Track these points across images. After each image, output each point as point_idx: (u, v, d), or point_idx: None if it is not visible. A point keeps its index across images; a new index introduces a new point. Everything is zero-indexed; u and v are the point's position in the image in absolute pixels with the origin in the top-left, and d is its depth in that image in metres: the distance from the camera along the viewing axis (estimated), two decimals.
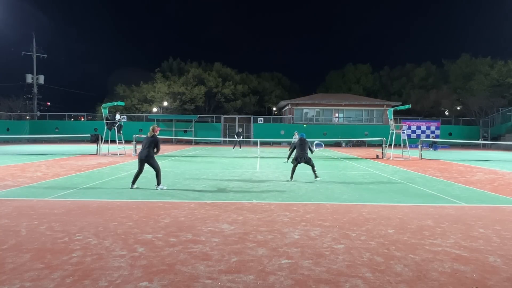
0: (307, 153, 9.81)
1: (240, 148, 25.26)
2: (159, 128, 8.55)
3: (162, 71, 50.82)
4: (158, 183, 8.20)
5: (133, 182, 8.27)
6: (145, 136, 8.34)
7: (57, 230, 4.85)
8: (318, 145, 22.47)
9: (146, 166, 8.23)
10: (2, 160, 14.66)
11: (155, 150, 8.17)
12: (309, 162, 9.79)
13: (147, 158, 8.04)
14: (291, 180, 9.68)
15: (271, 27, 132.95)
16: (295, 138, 23.15)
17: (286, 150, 24.83)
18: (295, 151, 10.09)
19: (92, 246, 4.22)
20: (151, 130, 8.26)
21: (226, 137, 35.19)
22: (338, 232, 4.95)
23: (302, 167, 10.11)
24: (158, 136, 8.35)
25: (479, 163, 16.11)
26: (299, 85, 65.49)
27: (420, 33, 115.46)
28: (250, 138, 35.69)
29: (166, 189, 8.19)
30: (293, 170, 9.93)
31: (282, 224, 5.29)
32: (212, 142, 35.81)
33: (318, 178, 9.77)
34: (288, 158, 10.23)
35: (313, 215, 5.90)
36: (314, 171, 9.90)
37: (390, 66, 59.41)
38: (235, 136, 25.10)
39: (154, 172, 8.22)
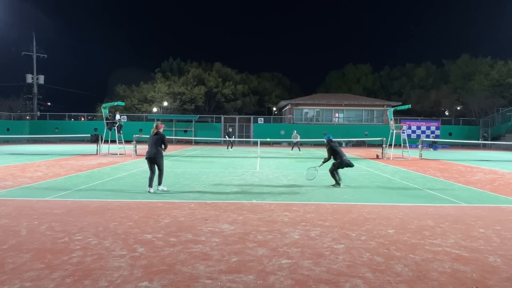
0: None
1: (231, 148, 24.91)
2: (163, 125, 8.29)
3: (162, 71, 50.86)
4: (159, 183, 7.98)
5: (150, 185, 7.82)
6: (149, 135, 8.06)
7: (57, 230, 4.85)
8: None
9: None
10: (2, 160, 14.66)
11: (163, 147, 7.88)
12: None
13: (156, 156, 7.77)
14: (339, 186, 8.72)
15: (272, 27, 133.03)
16: (294, 136, 23.32)
17: (287, 150, 24.90)
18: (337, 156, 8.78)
19: (92, 246, 4.22)
20: (154, 127, 7.99)
21: (226, 137, 35.17)
22: (338, 232, 4.94)
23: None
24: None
25: (479, 163, 16.11)
26: (299, 85, 65.62)
27: (420, 33, 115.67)
28: (250, 138, 35.68)
29: (167, 190, 8.04)
30: (336, 173, 8.86)
31: (282, 224, 5.29)
32: (212, 142, 35.81)
33: (330, 185, 8.83)
34: (322, 164, 9.09)
35: (313, 215, 5.90)
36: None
37: (390, 66, 59.57)
38: (226, 136, 25.01)
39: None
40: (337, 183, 8.80)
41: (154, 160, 7.76)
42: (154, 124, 8.08)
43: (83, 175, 10.36)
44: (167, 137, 8.07)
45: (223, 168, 12.94)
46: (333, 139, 9.03)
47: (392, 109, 20.27)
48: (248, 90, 50.93)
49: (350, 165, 8.79)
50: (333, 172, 8.83)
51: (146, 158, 7.87)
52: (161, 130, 8.04)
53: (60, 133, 33.21)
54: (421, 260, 3.91)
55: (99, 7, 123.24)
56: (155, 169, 7.89)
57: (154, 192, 7.70)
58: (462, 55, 48.67)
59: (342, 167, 8.84)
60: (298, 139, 23.49)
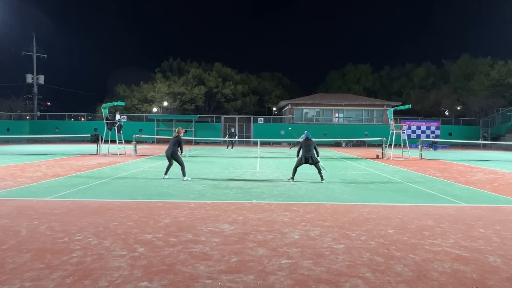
0: (313, 154, 9.56)
1: (232, 148, 24.94)
2: (183, 130, 10.14)
3: (162, 71, 50.83)
4: (183, 174, 9.61)
5: (165, 173, 9.87)
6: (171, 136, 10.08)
7: (57, 230, 4.85)
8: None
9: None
10: (2, 160, 14.66)
11: (179, 149, 9.65)
12: (316, 164, 9.53)
13: (172, 155, 9.64)
14: (292, 181, 9.53)
15: (271, 27, 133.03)
16: (302, 138, 23.19)
17: (287, 150, 24.92)
18: (301, 151, 9.75)
19: (92, 246, 4.22)
20: (176, 131, 9.86)
21: (226, 137, 35.16)
22: (338, 232, 4.95)
23: (304, 167, 10.09)
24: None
25: (479, 163, 16.11)
26: (299, 85, 65.50)
27: (420, 33, 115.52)
28: (250, 138, 35.68)
29: (190, 179, 9.55)
30: (295, 171, 9.78)
31: (282, 224, 5.29)
32: (212, 142, 35.80)
33: (324, 181, 9.46)
34: (297, 156, 9.84)
35: (313, 215, 5.90)
36: (320, 173, 9.63)
37: (390, 66, 59.44)
38: (228, 136, 24.97)
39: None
40: (292, 177, 9.74)
41: (172, 156, 9.69)
42: (176, 129, 9.94)
43: (83, 175, 10.35)
44: (167, 137, 9.55)
45: (223, 168, 12.94)
46: (310, 138, 9.94)
47: (392, 109, 20.27)
48: (248, 90, 50.89)
49: (303, 159, 9.54)
50: (295, 165, 9.84)
51: (165, 155, 9.98)
52: (181, 134, 9.87)
53: (60, 133, 33.19)
54: (421, 260, 3.91)
55: (99, 7, 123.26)
56: (172, 162, 9.82)
57: (169, 178, 9.71)
58: (462, 55, 48.62)
59: (301, 163, 9.63)
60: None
